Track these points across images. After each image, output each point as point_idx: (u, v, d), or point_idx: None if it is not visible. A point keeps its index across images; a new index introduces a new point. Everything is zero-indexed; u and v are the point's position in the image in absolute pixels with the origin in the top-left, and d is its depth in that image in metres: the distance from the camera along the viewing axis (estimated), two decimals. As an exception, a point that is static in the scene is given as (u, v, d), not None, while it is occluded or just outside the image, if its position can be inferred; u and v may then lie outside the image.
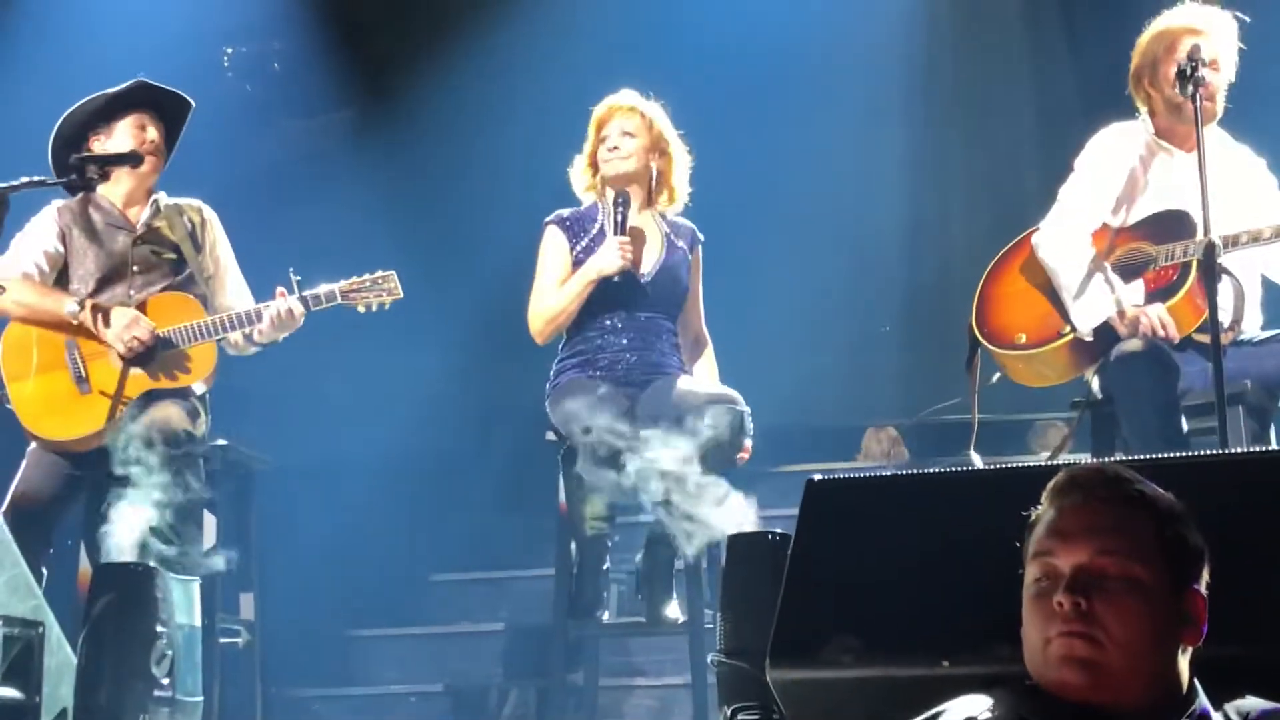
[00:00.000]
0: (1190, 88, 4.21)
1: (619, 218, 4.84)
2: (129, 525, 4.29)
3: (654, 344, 4.88)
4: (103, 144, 4.91)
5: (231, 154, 6.83)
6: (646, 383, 4.79)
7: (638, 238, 4.90)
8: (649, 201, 4.99)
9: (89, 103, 4.93)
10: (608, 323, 4.86)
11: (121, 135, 4.92)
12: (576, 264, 4.89)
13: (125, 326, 4.75)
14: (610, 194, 4.90)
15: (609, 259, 4.80)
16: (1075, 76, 7.12)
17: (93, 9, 6.84)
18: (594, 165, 4.99)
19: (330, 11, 7.44)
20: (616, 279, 4.81)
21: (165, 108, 5.03)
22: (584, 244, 4.91)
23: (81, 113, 4.93)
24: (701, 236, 5.07)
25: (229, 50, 7.51)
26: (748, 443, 4.60)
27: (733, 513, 4.10)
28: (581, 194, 5.04)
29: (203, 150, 5.36)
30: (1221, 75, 4.47)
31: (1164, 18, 4.59)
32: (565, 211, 5.01)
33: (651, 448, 4.47)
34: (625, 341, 4.85)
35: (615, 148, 4.91)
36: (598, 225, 4.94)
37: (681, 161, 4.99)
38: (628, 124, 4.92)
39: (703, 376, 4.97)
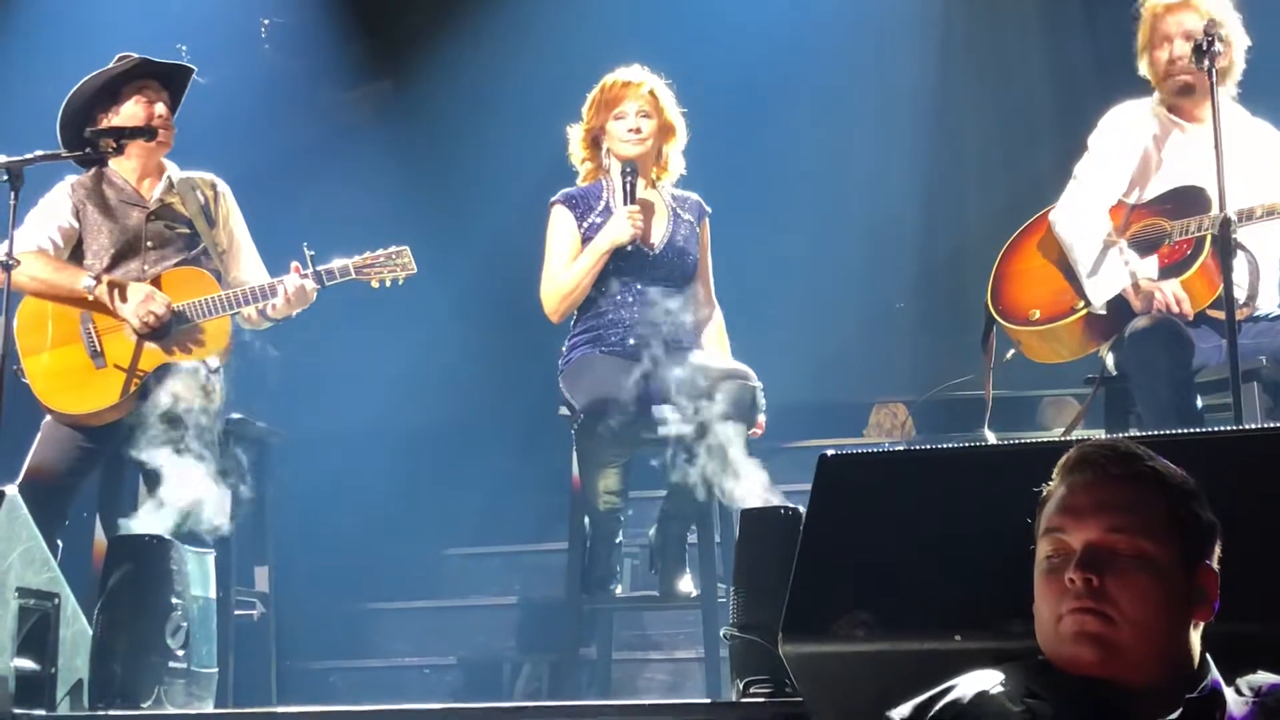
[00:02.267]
0: (1206, 61, 4.20)
1: (628, 188, 4.85)
2: (144, 498, 4.31)
3: (665, 318, 4.88)
4: (110, 121, 4.91)
5: (250, 128, 6.83)
6: (660, 358, 4.80)
7: (646, 209, 4.91)
8: (653, 177, 5.01)
9: (90, 81, 4.93)
10: (618, 298, 4.87)
11: (129, 110, 4.93)
12: (585, 241, 4.90)
13: (140, 303, 4.76)
14: (617, 165, 4.92)
15: (620, 229, 4.81)
16: (1091, 53, 7.09)
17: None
18: (593, 137, 4.98)
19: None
20: (628, 251, 4.83)
21: (167, 78, 5.03)
22: (591, 220, 4.92)
23: (85, 92, 4.92)
24: (709, 209, 5.08)
25: (266, 21, 7.48)
26: (761, 418, 4.61)
27: (751, 478, 4.12)
28: (578, 165, 5.04)
29: (221, 123, 5.36)
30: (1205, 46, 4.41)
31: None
32: (571, 189, 5.01)
33: (670, 420, 4.49)
34: (636, 316, 4.85)
35: (636, 129, 4.91)
36: (603, 201, 4.95)
37: (681, 140, 5.03)
38: (645, 105, 4.93)
39: (714, 350, 4.97)
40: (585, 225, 4.92)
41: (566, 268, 4.89)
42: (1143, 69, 4.64)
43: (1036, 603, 2.23)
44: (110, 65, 4.96)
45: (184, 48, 6.26)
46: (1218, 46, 4.21)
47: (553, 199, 5.01)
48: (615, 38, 6.30)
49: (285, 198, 6.29)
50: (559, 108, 5.16)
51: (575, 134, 5.04)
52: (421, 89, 7.52)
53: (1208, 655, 2.21)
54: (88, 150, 4.75)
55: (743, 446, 4.31)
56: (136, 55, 4.98)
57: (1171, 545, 2.16)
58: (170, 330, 4.80)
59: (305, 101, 7.53)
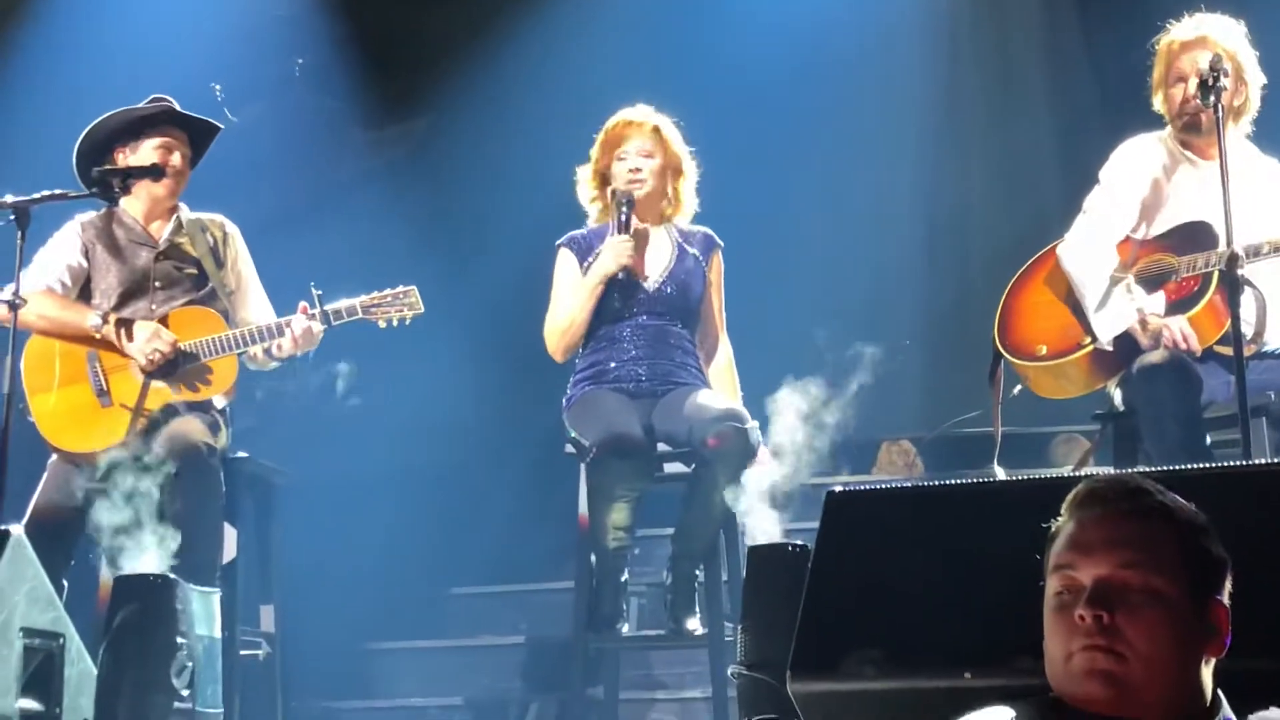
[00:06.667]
0: (1212, 97, 4.20)
1: (622, 218, 4.87)
2: (149, 538, 4.30)
3: (667, 353, 4.89)
4: (127, 159, 4.93)
5: (274, 168, 6.86)
6: (661, 394, 4.81)
7: (641, 238, 4.93)
8: (661, 214, 5.02)
9: (116, 116, 4.96)
10: (618, 333, 4.89)
11: (147, 153, 4.95)
12: None
13: (147, 340, 4.77)
14: (610, 195, 4.94)
15: (609, 258, 4.84)
16: (1095, 85, 7.11)
17: (136, 16, 6.87)
18: (601, 176, 5.01)
19: (353, 29, 7.46)
20: (625, 287, 4.86)
21: (193, 130, 5.06)
22: (590, 261, 4.94)
23: (108, 126, 4.95)
24: (720, 242, 5.09)
25: (300, 61, 7.50)
26: (763, 450, 4.57)
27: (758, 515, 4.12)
28: (588, 205, 5.06)
29: (248, 162, 5.37)
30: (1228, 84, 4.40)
31: (1166, 33, 4.59)
32: (576, 232, 5.05)
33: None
34: (636, 352, 4.87)
35: (637, 169, 4.93)
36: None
37: (691, 177, 5.05)
38: (646, 143, 4.95)
39: (722, 387, 4.96)
40: (585, 266, 4.94)
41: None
42: (1157, 104, 4.64)
43: (1046, 640, 2.21)
44: (141, 105, 4.99)
45: (219, 87, 6.28)
46: (1223, 82, 4.21)
47: (559, 241, 5.04)
48: (627, 76, 6.32)
49: (300, 237, 6.31)
50: (572, 149, 5.18)
51: (584, 174, 5.06)
52: (427, 129, 7.55)
53: (1220, 692, 2.19)
54: (95, 190, 4.77)
55: (746, 486, 4.29)
56: (170, 100, 5.01)
57: (1182, 581, 2.15)
58: (177, 368, 4.80)
59: (331, 142, 7.56)
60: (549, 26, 7.29)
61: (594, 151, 5.04)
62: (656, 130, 4.97)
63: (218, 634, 4.30)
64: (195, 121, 5.07)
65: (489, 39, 7.41)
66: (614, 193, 4.95)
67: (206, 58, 6.70)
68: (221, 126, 5.14)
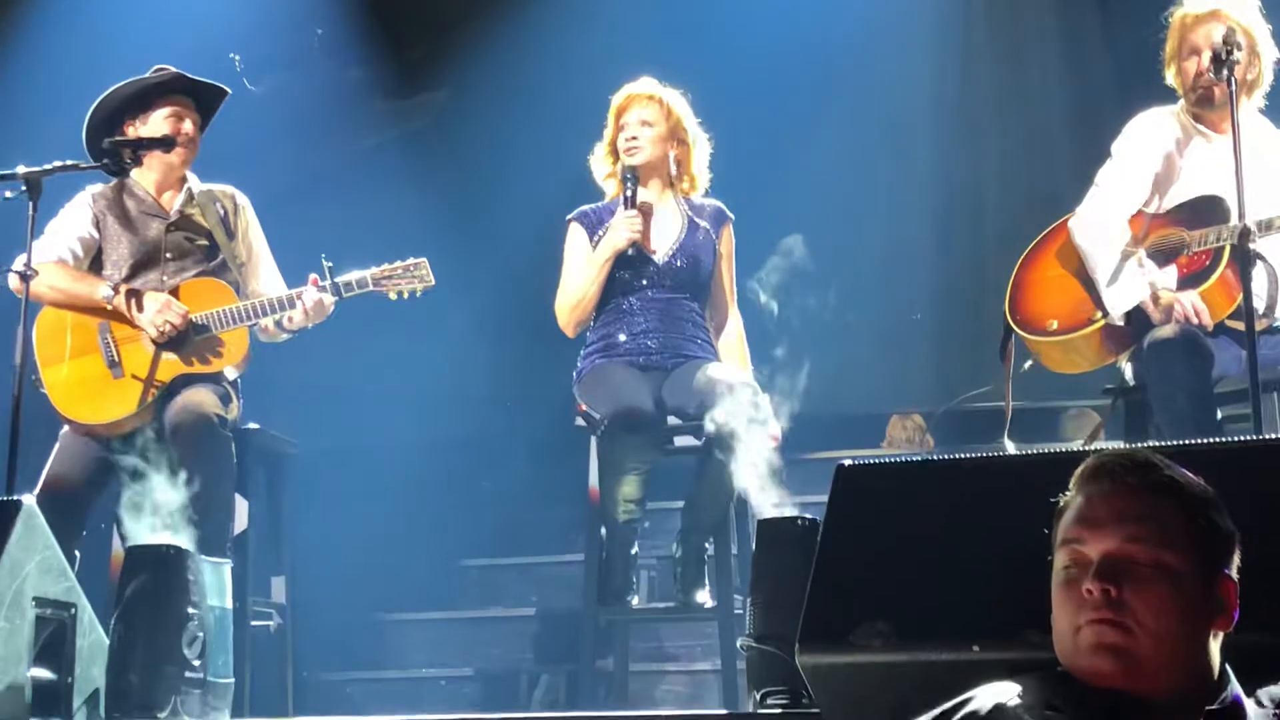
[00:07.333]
0: (1225, 71, 4.19)
1: (628, 193, 4.87)
2: (160, 509, 4.31)
3: (677, 326, 4.89)
4: (137, 130, 4.93)
5: (292, 139, 6.86)
6: (671, 367, 4.81)
7: (647, 212, 4.93)
8: (669, 185, 5.02)
9: (124, 88, 4.96)
10: (628, 306, 4.89)
11: (157, 123, 4.95)
12: None
13: (158, 310, 4.78)
14: (619, 170, 4.94)
15: (617, 234, 4.86)
16: (1109, 60, 7.08)
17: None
18: (614, 153, 5.02)
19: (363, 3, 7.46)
20: (634, 261, 4.87)
21: (201, 97, 5.05)
22: (600, 235, 4.94)
23: (117, 98, 4.95)
24: (731, 215, 5.08)
25: (320, 31, 7.48)
26: (773, 427, 4.58)
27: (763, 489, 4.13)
28: (602, 181, 5.08)
29: (266, 133, 5.36)
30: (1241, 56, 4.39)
31: (1180, 6, 4.57)
32: (587, 207, 5.06)
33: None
34: (646, 325, 4.87)
35: (634, 138, 4.95)
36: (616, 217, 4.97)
37: (701, 149, 5.03)
38: (646, 113, 4.95)
39: (731, 359, 4.96)
40: (595, 241, 4.95)
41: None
42: (1170, 78, 4.62)
43: (1054, 613, 2.22)
44: (146, 75, 4.98)
45: (238, 57, 6.27)
46: (1236, 56, 4.20)
47: (570, 216, 5.05)
48: (644, 51, 6.30)
49: (314, 209, 6.31)
50: (587, 123, 5.18)
51: (599, 150, 5.07)
52: (439, 100, 7.55)
53: (1228, 666, 2.19)
54: (106, 161, 4.78)
55: (751, 457, 4.30)
56: (173, 69, 5.01)
57: (1190, 555, 2.15)
58: (188, 340, 4.81)
59: (348, 113, 7.55)
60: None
61: (606, 130, 5.05)
62: (655, 100, 4.97)
63: (229, 605, 4.30)
64: (202, 86, 5.07)
65: (507, 10, 7.40)
66: (621, 167, 4.96)
67: (225, 28, 6.70)
68: (229, 91, 5.13)
